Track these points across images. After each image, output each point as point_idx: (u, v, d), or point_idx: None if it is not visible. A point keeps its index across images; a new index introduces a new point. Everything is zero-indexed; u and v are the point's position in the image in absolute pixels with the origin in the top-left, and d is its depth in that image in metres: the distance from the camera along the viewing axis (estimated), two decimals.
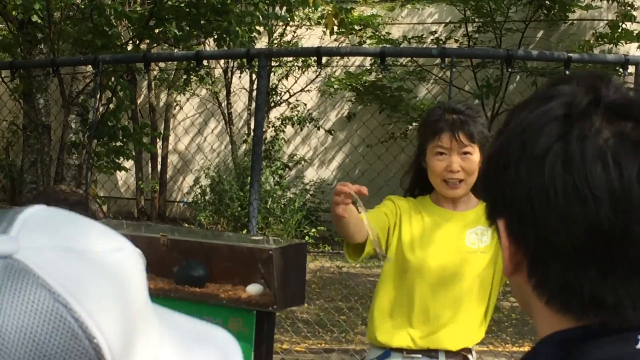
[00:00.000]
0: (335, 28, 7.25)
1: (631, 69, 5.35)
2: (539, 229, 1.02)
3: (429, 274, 3.20)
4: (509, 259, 1.08)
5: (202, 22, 9.74)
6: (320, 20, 14.08)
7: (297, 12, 13.66)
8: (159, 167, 15.26)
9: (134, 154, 11.87)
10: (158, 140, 14.56)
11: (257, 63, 5.77)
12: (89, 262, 0.73)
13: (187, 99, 14.97)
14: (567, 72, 5.49)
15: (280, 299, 4.06)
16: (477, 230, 3.23)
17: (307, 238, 12.98)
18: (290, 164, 14.74)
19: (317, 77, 14.67)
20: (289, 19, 11.77)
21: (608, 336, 1.01)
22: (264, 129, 14.55)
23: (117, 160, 10.34)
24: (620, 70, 5.50)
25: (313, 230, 13.40)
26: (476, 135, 3.16)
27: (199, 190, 14.31)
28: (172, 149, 15.59)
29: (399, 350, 3.22)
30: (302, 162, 14.95)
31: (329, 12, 6.60)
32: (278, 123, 14.76)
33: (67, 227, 0.78)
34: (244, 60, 11.64)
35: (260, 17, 10.24)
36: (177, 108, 15.37)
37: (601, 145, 0.98)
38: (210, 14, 9.71)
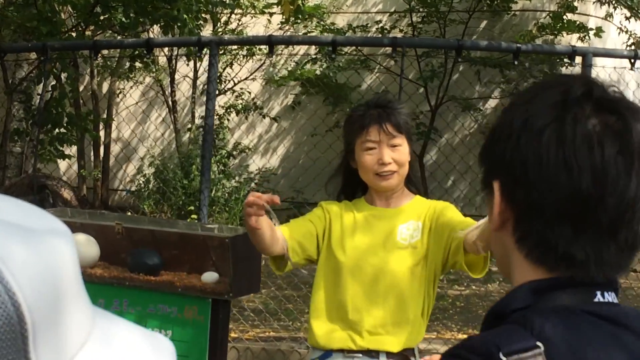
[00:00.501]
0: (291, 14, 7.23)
1: (578, 59, 5.44)
2: (529, 190, 1.24)
3: (360, 273, 3.19)
4: (498, 214, 1.29)
5: (149, 9, 9.66)
6: (264, 10, 14.07)
7: (242, 0, 13.62)
8: (102, 155, 15.10)
9: (76, 141, 11.74)
10: (101, 127, 14.41)
11: (208, 51, 5.77)
12: (22, 234, 0.77)
13: (131, 87, 14.84)
14: (515, 62, 5.58)
15: (235, 287, 4.08)
16: (410, 225, 3.22)
17: None
18: (234, 153, 14.70)
19: (262, 65, 14.64)
20: (235, 7, 11.73)
21: (573, 288, 1.25)
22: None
23: (60, 148, 10.22)
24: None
25: None
26: (403, 125, 3.21)
27: (142, 179, 14.19)
28: (115, 137, 15.43)
29: (340, 350, 3.20)
30: (247, 151, 14.92)
31: None
32: (222, 111, 14.69)
33: (7, 207, 0.82)
34: (191, 48, 11.60)
35: (209, 4, 10.18)
36: (121, 96, 15.23)
37: (589, 129, 1.22)
38: (157, 1, 9.64)
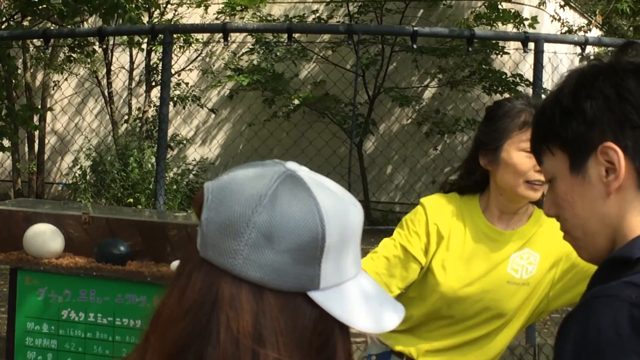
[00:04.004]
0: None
1: (531, 45, 5.52)
2: None
3: (457, 304, 2.80)
4: (624, 171, 1.39)
5: None
6: (201, 3, 13.99)
7: None
8: (37, 147, 14.84)
9: (12, 134, 11.49)
10: (35, 119, 14.15)
11: (155, 39, 5.70)
12: (335, 197, 1.21)
13: (65, 78, 14.60)
14: (469, 49, 5.63)
15: None
16: (524, 254, 2.80)
17: None
18: (172, 144, 14.57)
19: (199, 55, 14.54)
20: None
21: None
22: (144, 109, 14.37)
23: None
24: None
25: None
26: None
27: (79, 172, 13.98)
28: (49, 130, 15.18)
29: (400, 354, 2.88)
30: (185, 142, 14.82)
31: None
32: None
33: (331, 183, 1.26)
34: (131, 37, 11.46)
35: None
36: (55, 87, 14.97)
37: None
38: None
